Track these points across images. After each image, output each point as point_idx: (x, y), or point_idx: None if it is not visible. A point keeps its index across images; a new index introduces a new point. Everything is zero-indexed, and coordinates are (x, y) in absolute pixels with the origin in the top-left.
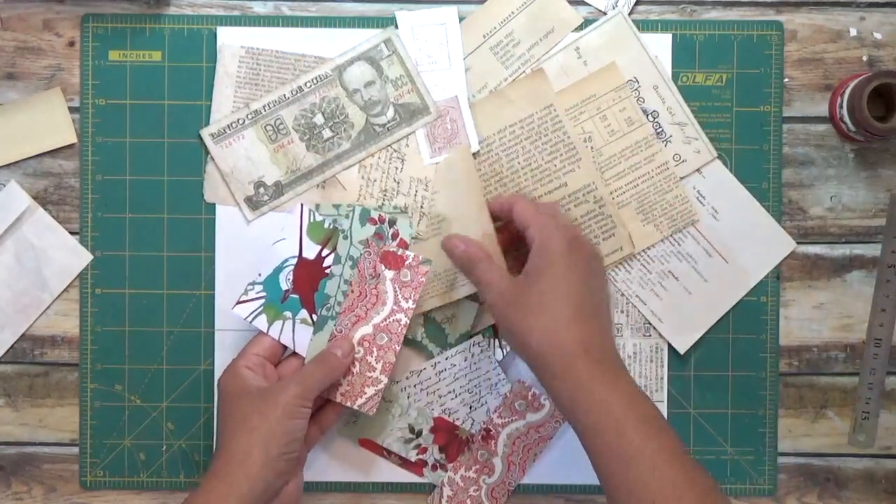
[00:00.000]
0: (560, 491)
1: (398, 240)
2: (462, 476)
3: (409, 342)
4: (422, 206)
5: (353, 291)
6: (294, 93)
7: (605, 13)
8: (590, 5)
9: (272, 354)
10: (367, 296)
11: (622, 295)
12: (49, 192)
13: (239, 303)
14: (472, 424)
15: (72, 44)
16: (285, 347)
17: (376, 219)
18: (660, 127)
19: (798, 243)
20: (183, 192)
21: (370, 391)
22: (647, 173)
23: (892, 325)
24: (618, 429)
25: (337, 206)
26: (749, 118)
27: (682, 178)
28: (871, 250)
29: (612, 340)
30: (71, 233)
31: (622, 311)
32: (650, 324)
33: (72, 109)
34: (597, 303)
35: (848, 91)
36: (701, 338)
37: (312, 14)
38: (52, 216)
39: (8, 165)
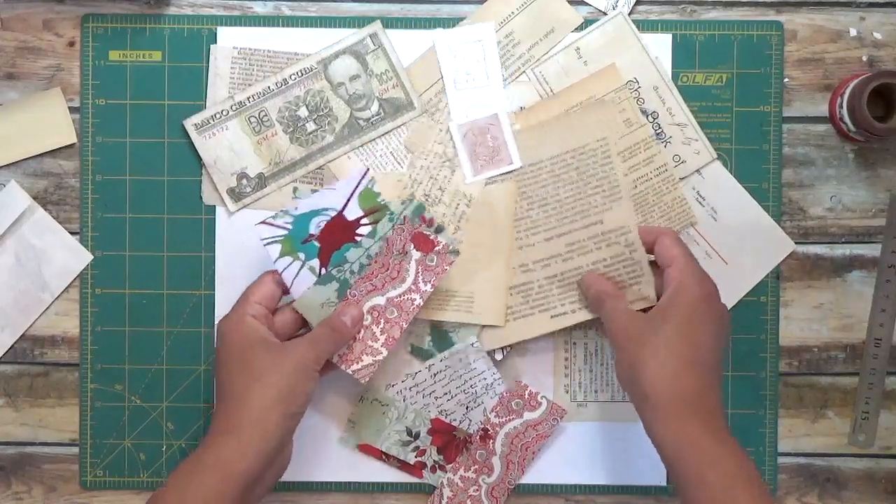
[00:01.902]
0: (560, 491)
1: (432, 227)
2: (461, 476)
3: (416, 350)
4: (458, 221)
5: (376, 262)
6: (279, 85)
7: (605, 13)
8: (590, 5)
9: (270, 302)
10: (388, 269)
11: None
12: (49, 192)
13: (264, 223)
14: (469, 425)
15: (72, 44)
16: (281, 296)
17: (427, 219)
18: (659, 128)
19: (798, 243)
20: (183, 192)
21: (367, 360)
22: (646, 175)
23: (892, 325)
24: (727, 485)
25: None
26: (749, 118)
27: (681, 179)
28: (871, 250)
29: (722, 401)
30: (71, 233)
31: None
32: None
33: (72, 109)
34: (715, 361)
35: (848, 91)
36: None
37: (312, 14)
38: (52, 216)
39: (8, 165)
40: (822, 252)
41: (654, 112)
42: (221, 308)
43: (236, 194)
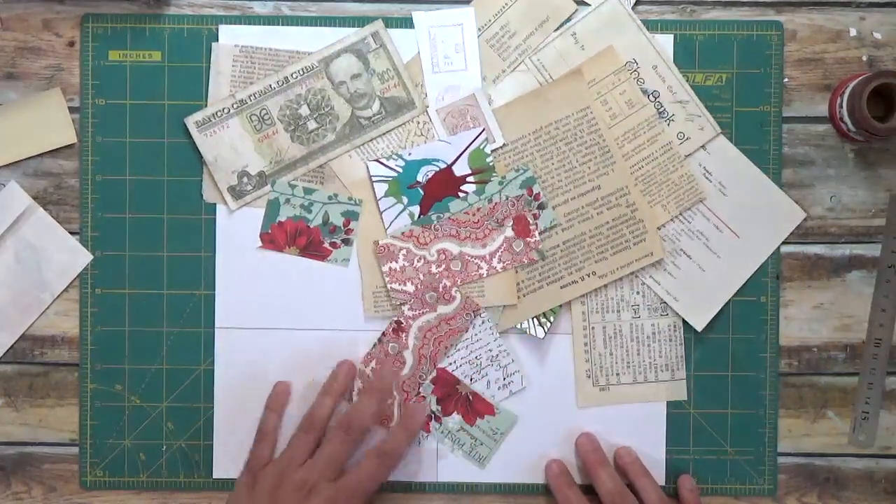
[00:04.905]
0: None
1: (537, 220)
2: (372, 369)
3: None
4: None
5: (473, 215)
6: (280, 83)
7: None
8: (589, 5)
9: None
10: (479, 227)
11: (636, 276)
12: (49, 192)
13: (377, 160)
14: (469, 385)
15: (72, 44)
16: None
17: (534, 192)
18: (661, 107)
19: (798, 243)
20: (183, 192)
21: (409, 287)
22: (652, 154)
23: (892, 325)
24: None
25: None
26: (749, 118)
27: (687, 156)
28: (871, 250)
29: None
30: (71, 233)
31: (637, 292)
32: (665, 303)
33: (72, 109)
34: None
35: (848, 91)
36: (701, 338)
37: (312, 14)
38: (52, 216)
39: (8, 165)
40: (822, 252)
41: (656, 91)
42: (221, 308)
43: (237, 192)
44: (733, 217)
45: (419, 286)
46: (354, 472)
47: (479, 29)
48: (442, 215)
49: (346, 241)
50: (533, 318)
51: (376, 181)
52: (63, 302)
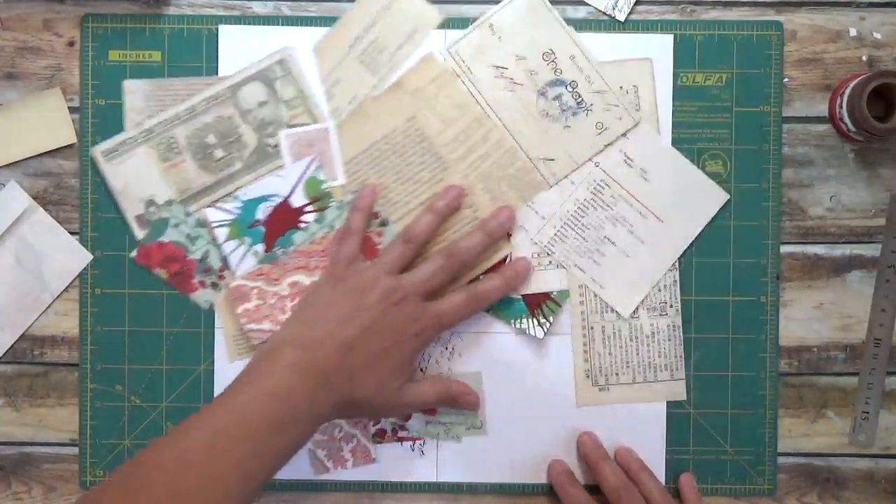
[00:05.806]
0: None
1: (381, 237)
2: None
3: None
4: None
5: (318, 244)
6: (188, 112)
7: (605, 13)
8: (589, 5)
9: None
10: (327, 255)
11: (560, 266)
12: (49, 192)
13: (213, 206)
14: None
15: (72, 44)
16: None
17: (376, 212)
18: (580, 97)
19: (798, 243)
20: None
21: (266, 326)
22: (486, 153)
23: (892, 325)
24: None
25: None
26: (749, 118)
27: (606, 146)
28: (871, 250)
29: None
30: (71, 233)
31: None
32: (665, 303)
33: (72, 109)
34: None
35: (848, 91)
36: (700, 338)
37: (312, 14)
38: (52, 216)
39: (8, 165)
40: (822, 252)
41: (573, 81)
42: (222, 308)
43: (144, 221)
44: (657, 202)
45: (275, 322)
46: (440, 301)
47: (349, 46)
48: (287, 249)
49: (215, 286)
50: (532, 318)
51: (216, 226)
52: (63, 302)
